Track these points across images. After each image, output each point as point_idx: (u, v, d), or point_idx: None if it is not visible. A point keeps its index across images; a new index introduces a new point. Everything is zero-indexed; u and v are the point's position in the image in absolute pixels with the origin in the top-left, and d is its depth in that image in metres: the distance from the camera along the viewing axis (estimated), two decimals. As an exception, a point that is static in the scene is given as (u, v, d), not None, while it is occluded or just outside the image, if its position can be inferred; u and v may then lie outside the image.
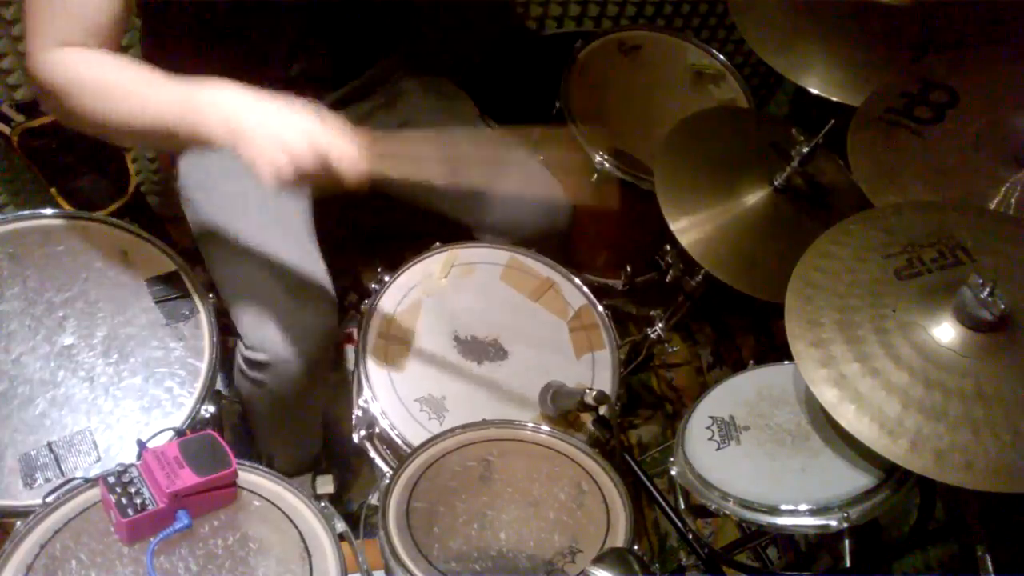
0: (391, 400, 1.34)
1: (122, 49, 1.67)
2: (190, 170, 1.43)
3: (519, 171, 1.59)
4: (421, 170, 1.15)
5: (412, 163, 1.15)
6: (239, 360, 1.40)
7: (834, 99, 1.54)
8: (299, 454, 1.64)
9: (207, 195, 1.40)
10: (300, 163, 0.98)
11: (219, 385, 1.39)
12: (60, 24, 1.06)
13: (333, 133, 1.01)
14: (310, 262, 1.39)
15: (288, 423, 1.51)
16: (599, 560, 0.97)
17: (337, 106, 1.47)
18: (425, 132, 1.21)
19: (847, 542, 1.21)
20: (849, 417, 1.10)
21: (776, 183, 1.48)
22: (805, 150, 1.43)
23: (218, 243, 1.38)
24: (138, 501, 0.99)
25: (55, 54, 1.06)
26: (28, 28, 1.08)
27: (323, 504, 1.11)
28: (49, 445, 1.16)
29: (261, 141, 0.99)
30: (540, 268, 1.53)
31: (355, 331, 1.44)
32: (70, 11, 1.06)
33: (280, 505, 1.09)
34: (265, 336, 1.33)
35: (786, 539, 1.66)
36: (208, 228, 1.38)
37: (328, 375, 1.41)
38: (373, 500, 1.32)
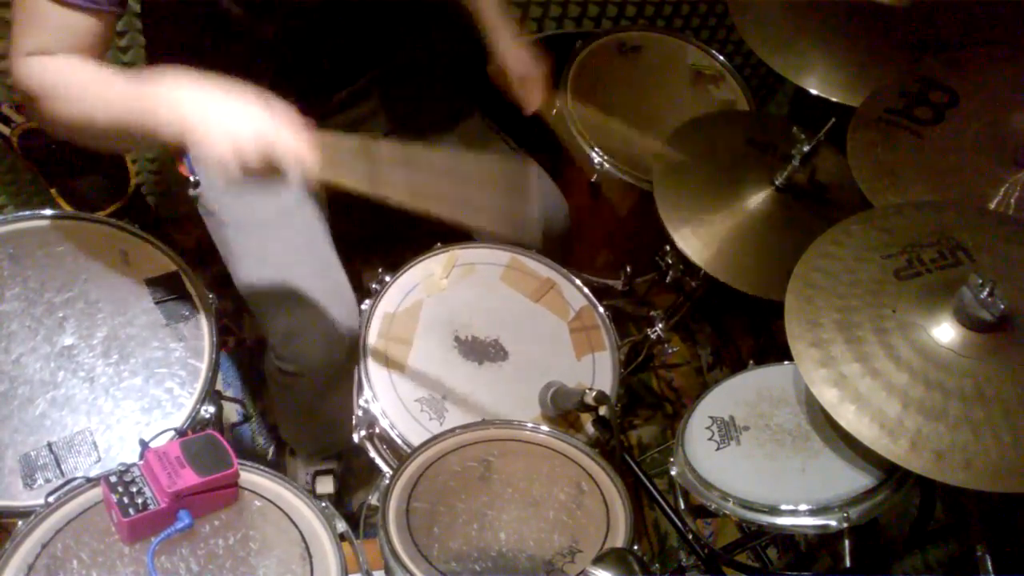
0: (391, 400, 1.34)
1: (121, 50, 1.70)
2: (210, 181, 1.44)
3: (517, 174, 1.59)
4: (377, 185, 1.06)
5: (367, 177, 1.07)
6: (269, 366, 1.44)
7: (834, 99, 1.54)
8: (325, 445, 1.68)
9: (228, 204, 1.41)
10: (246, 156, 0.97)
11: (219, 385, 1.39)
12: (39, 36, 1.06)
13: (281, 125, 0.99)
14: (332, 273, 1.41)
15: (317, 418, 1.55)
16: (599, 560, 0.97)
17: (335, 109, 1.48)
18: (393, 146, 1.14)
19: (847, 542, 1.21)
20: (849, 417, 1.10)
21: (777, 183, 1.48)
22: (806, 149, 1.43)
23: (242, 254, 1.39)
24: (139, 501, 0.99)
25: (27, 61, 1.06)
26: (10, 37, 1.08)
27: (324, 504, 1.11)
28: (49, 445, 1.16)
29: (208, 136, 0.97)
30: (541, 269, 1.53)
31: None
32: (47, 24, 1.06)
33: (281, 505, 1.09)
34: (295, 350, 1.36)
35: (786, 539, 1.66)
36: (231, 239, 1.40)
37: (352, 370, 1.42)
38: (373, 500, 1.32)
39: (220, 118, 0.98)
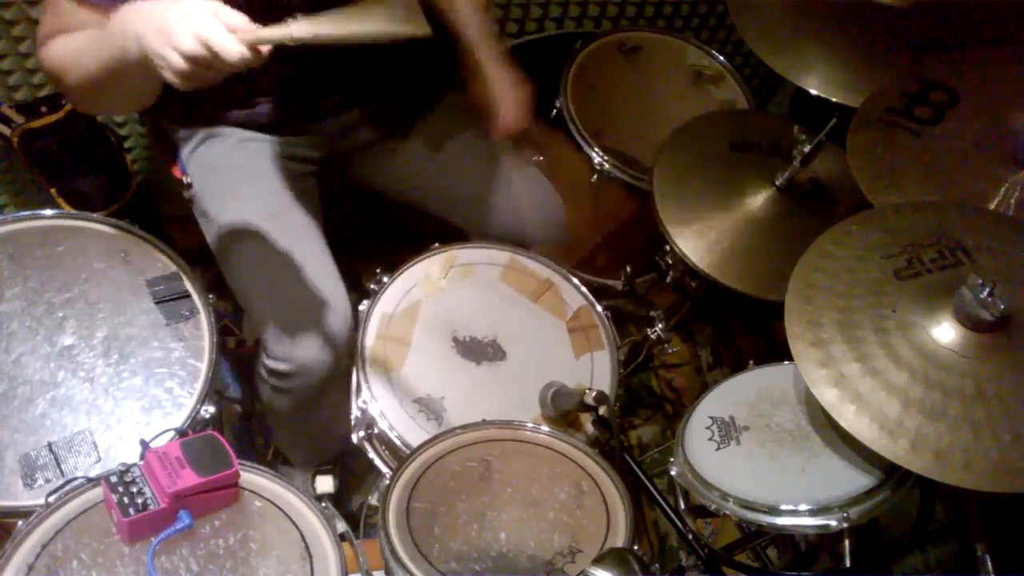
0: (390, 401, 1.34)
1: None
2: (201, 181, 1.43)
3: (514, 175, 1.59)
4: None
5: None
6: (261, 369, 1.43)
7: (834, 99, 1.54)
8: (319, 452, 1.67)
9: (220, 207, 1.41)
10: (186, 51, 0.97)
11: (219, 385, 1.39)
12: (55, 25, 1.16)
13: (211, 15, 0.99)
14: (326, 272, 1.41)
15: (311, 423, 1.54)
16: (599, 560, 0.97)
17: (335, 108, 1.48)
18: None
19: (847, 542, 1.21)
20: (849, 417, 1.10)
21: (778, 183, 1.48)
22: (807, 148, 1.43)
23: (236, 256, 1.39)
24: (140, 501, 1.00)
25: (46, 46, 1.17)
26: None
27: (324, 504, 1.11)
28: (49, 445, 1.16)
29: (152, 40, 1.00)
30: (539, 268, 1.53)
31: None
32: (64, 18, 1.15)
33: (281, 505, 1.09)
34: (289, 349, 1.35)
35: (786, 539, 1.66)
36: (225, 241, 1.40)
37: (346, 375, 1.43)
38: (373, 500, 1.32)
39: (159, 20, 0.99)
